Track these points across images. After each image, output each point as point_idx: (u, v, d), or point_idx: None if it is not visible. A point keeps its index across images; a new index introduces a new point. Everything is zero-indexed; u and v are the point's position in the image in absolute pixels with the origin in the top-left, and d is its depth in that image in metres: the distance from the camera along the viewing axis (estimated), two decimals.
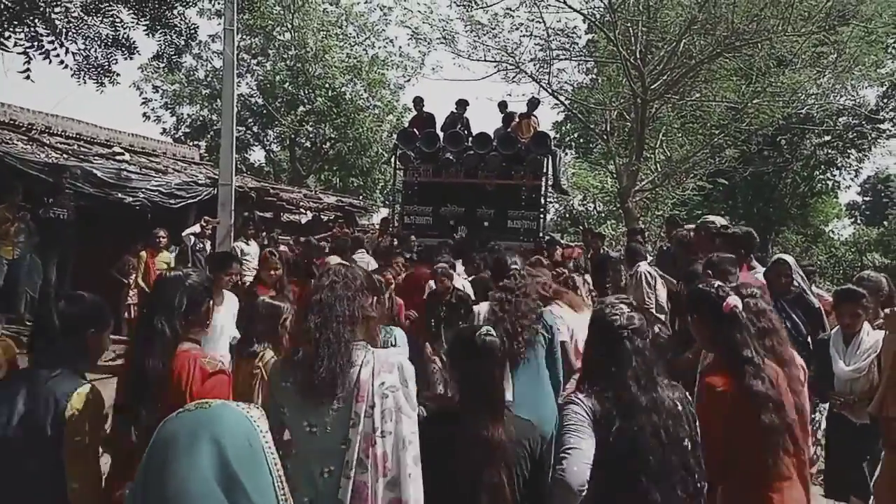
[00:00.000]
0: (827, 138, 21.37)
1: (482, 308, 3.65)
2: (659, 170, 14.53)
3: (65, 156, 9.19)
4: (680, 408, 1.91)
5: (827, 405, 3.98)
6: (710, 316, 2.31)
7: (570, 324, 3.70)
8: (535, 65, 14.23)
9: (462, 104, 10.57)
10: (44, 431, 2.00)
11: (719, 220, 4.89)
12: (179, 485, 1.22)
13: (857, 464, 3.64)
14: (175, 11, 8.14)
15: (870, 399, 3.42)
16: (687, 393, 2.04)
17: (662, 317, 5.17)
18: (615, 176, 15.25)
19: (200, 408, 1.38)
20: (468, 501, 1.82)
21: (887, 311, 3.91)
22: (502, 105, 10.93)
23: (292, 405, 1.80)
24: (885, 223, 26.58)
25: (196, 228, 7.91)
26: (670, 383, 1.98)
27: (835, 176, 24.38)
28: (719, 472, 2.06)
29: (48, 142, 9.82)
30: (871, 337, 3.71)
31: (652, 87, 12.31)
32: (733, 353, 2.22)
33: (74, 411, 2.04)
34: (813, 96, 13.79)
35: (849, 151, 23.37)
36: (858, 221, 33.83)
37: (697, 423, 1.95)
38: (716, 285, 2.39)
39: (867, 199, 35.21)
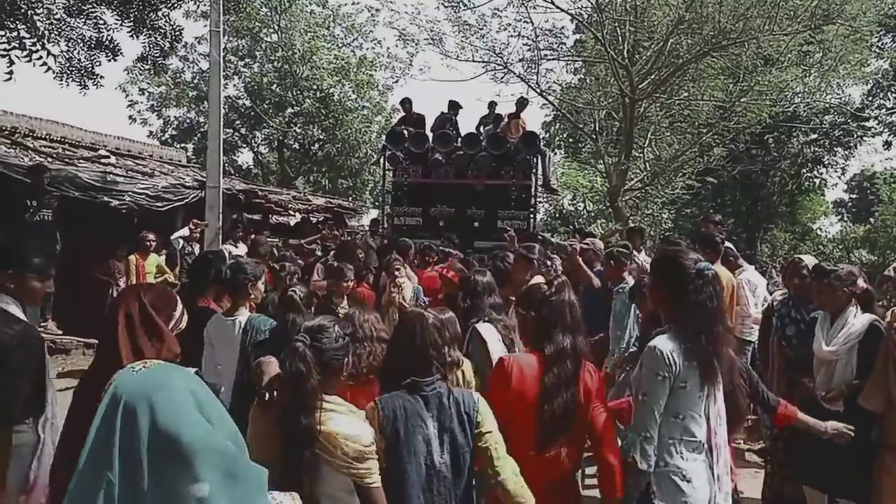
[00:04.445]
0: (813, 136, 21.55)
1: None
2: (648, 169, 14.56)
3: (49, 159, 9.07)
4: None
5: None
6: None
7: None
8: (523, 65, 14.21)
9: (454, 106, 10.52)
10: (467, 446, 2.15)
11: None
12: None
13: (826, 454, 3.23)
14: (159, 13, 8.05)
15: (853, 389, 3.35)
16: None
17: None
18: (604, 175, 15.27)
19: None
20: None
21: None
22: (491, 104, 10.93)
23: (693, 381, 2.36)
24: (871, 220, 26.82)
25: (185, 232, 7.82)
26: None
27: (822, 174, 24.54)
28: None
29: (32, 145, 9.69)
30: (859, 321, 3.49)
31: (640, 86, 12.31)
32: None
33: (483, 420, 2.17)
34: (799, 95, 13.89)
35: (835, 149, 23.58)
36: (845, 219, 34.16)
37: None
38: None
39: (854, 196, 35.58)
